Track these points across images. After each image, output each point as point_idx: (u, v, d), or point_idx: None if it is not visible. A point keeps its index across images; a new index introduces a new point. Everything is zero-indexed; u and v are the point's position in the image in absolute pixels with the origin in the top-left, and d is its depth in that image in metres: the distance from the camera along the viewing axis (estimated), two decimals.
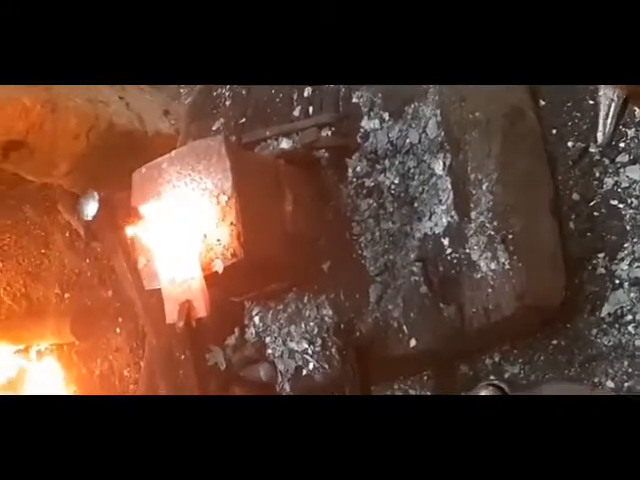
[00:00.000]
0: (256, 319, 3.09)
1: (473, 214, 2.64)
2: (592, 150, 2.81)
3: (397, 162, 2.85)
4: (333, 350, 2.84)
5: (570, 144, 2.86)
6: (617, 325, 2.68)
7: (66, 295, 5.21)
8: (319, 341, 2.89)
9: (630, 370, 2.64)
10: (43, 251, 5.33)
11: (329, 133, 3.02)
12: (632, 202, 2.71)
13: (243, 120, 3.33)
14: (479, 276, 2.60)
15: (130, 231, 2.49)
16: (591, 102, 2.83)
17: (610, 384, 2.65)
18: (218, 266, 2.50)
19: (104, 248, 4.48)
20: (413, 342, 2.70)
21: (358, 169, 2.93)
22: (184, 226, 2.55)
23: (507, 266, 2.55)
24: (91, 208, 2.31)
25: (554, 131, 2.89)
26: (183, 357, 2.50)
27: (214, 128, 3.41)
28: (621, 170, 2.75)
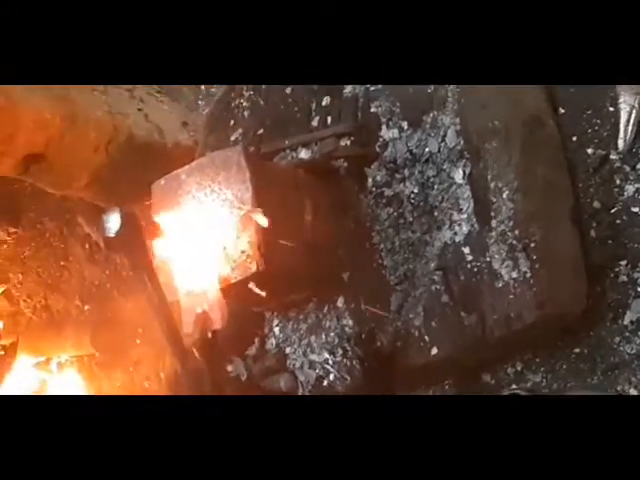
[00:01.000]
0: (276, 329, 3.09)
1: (494, 222, 2.63)
2: (613, 157, 2.80)
3: (416, 171, 2.85)
4: (354, 360, 2.83)
5: (590, 151, 2.84)
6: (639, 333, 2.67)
7: (86, 307, 5.22)
8: (340, 351, 2.89)
9: None
10: (63, 263, 5.34)
11: (348, 143, 3.01)
12: None
13: (261, 131, 3.34)
14: (500, 284, 2.59)
15: (152, 245, 2.49)
16: (611, 109, 2.81)
17: (633, 392, 2.64)
18: (253, 267, 2.49)
19: (127, 262, 4.50)
20: (434, 351, 2.69)
21: (377, 178, 2.92)
22: (203, 237, 2.55)
23: (528, 274, 2.55)
24: (114, 224, 2.30)
25: (574, 138, 2.88)
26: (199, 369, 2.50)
27: (232, 139, 3.42)
28: None
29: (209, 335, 2.43)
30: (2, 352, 5.01)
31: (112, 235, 2.29)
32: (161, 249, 2.52)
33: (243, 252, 2.52)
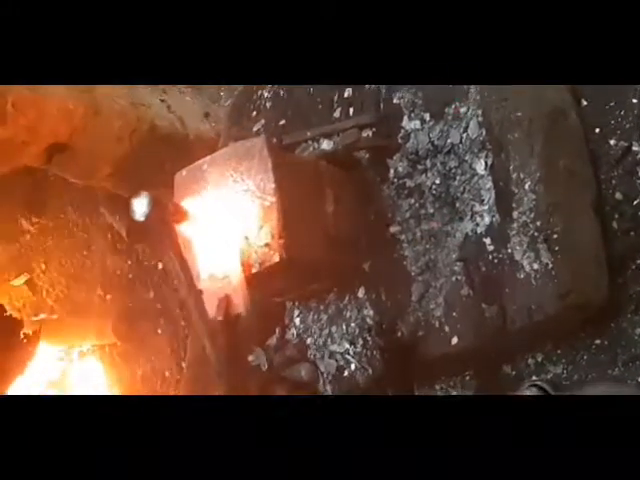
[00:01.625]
0: (297, 320, 3.10)
1: (515, 214, 2.64)
2: (635, 149, 2.79)
3: (438, 162, 2.85)
4: (375, 351, 2.84)
5: (613, 143, 2.84)
6: None
7: (108, 296, 5.25)
8: (360, 342, 2.90)
9: None
10: (85, 253, 5.36)
11: (370, 134, 3.03)
12: None
13: (283, 122, 3.35)
14: (521, 276, 2.59)
15: (180, 230, 2.51)
16: (634, 101, 2.81)
17: None
18: (275, 257, 2.51)
19: (153, 247, 4.51)
20: (455, 341, 2.70)
21: (399, 169, 2.93)
22: (226, 226, 2.56)
23: (550, 265, 2.55)
24: (144, 208, 2.31)
25: (597, 130, 2.87)
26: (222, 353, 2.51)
27: (255, 130, 3.43)
28: None
29: (232, 319, 2.44)
30: (25, 340, 5.04)
31: (142, 219, 2.31)
32: (186, 232, 2.54)
33: (265, 242, 2.52)
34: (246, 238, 2.55)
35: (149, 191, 2.35)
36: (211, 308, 2.47)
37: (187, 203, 2.65)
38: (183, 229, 2.52)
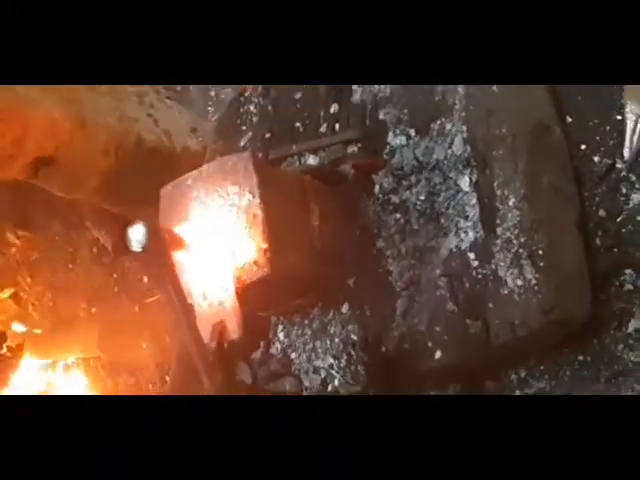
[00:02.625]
0: (281, 334, 3.10)
1: (499, 230, 2.65)
2: (619, 166, 2.81)
3: (423, 178, 2.86)
4: (359, 366, 2.84)
5: (597, 160, 2.86)
6: None
7: (93, 310, 5.23)
8: (344, 357, 2.90)
9: None
10: (71, 266, 5.35)
11: (355, 149, 3.04)
12: None
13: (268, 135, 3.35)
14: (505, 291, 2.60)
15: (175, 257, 2.50)
16: (618, 117, 2.82)
17: None
18: (260, 272, 2.51)
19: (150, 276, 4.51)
20: (438, 356, 2.70)
21: (384, 185, 2.94)
22: (212, 243, 2.56)
23: (533, 282, 2.56)
24: (140, 238, 2.29)
25: (581, 147, 2.89)
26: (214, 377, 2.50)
27: (241, 145, 3.43)
28: None
29: (225, 345, 2.43)
30: (9, 353, 5.02)
31: (139, 250, 2.29)
32: (179, 258, 2.53)
33: (250, 257, 2.52)
34: (232, 253, 2.54)
35: (134, 207, 2.33)
36: (205, 333, 2.46)
37: (173, 218, 2.65)
38: (177, 256, 2.51)
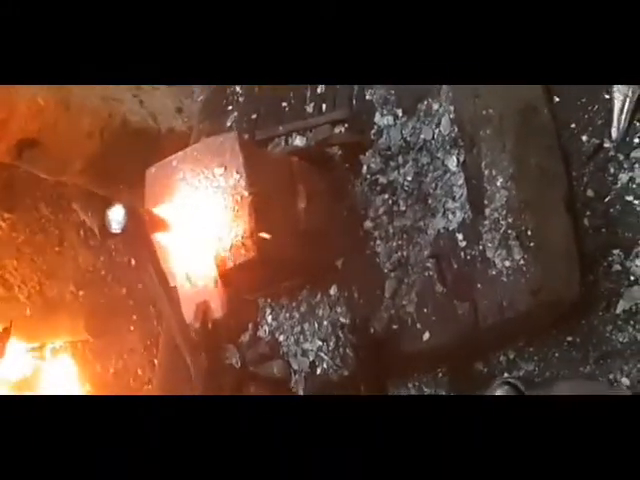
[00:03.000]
0: (269, 317, 3.09)
1: (487, 210, 2.64)
2: (606, 146, 2.80)
3: (411, 159, 2.85)
4: (348, 347, 2.84)
5: (584, 140, 2.84)
6: (632, 322, 2.68)
7: (80, 293, 5.22)
8: (333, 339, 2.89)
9: None
10: (57, 249, 5.33)
11: (342, 130, 3.02)
12: None
13: (255, 116, 3.33)
14: (493, 272, 2.59)
15: (155, 237, 2.49)
16: (606, 97, 2.81)
17: (625, 381, 2.64)
18: (247, 254, 2.49)
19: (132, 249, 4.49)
20: (427, 337, 2.70)
21: (372, 166, 2.92)
22: (197, 225, 2.54)
23: (521, 262, 2.55)
24: (120, 219, 2.29)
25: (568, 127, 2.88)
26: (198, 358, 2.50)
27: (227, 125, 3.41)
28: (636, 166, 2.74)
29: (209, 325, 2.42)
30: None
31: (118, 231, 2.29)
32: (161, 238, 2.52)
33: (236, 239, 2.51)
34: (218, 234, 2.53)
35: (119, 188, 2.33)
36: (188, 314, 2.45)
37: (159, 203, 2.63)
38: (158, 237, 2.50)
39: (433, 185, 2.78)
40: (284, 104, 3.26)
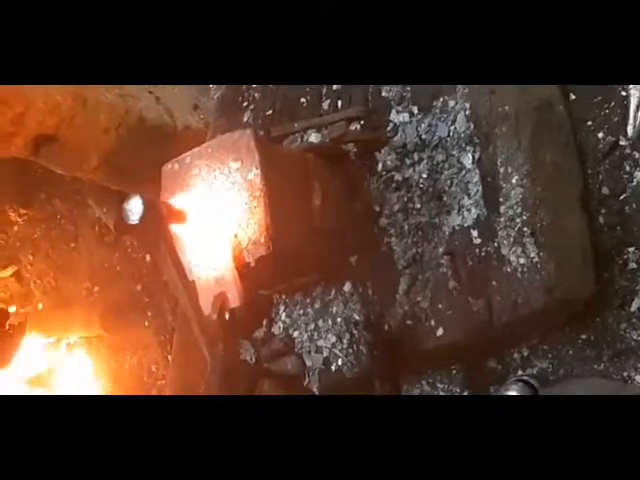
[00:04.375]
0: (283, 314, 3.10)
1: (502, 208, 2.63)
2: (622, 143, 2.79)
3: (426, 156, 2.85)
4: (362, 344, 2.84)
5: (600, 137, 2.84)
6: None
7: (95, 289, 5.25)
8: (347, 336, 2.90)
9: None
10: (73, 245, 5.36)
11: (358, 127, 3.02)
12: None
13: (270, 112, 3.34)
14: (508, 270, 2.59)
15: (172, 229, 2.50)
16: (622, 94, 2.81)
17: (639, 378, 2.64)
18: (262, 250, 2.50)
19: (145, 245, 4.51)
20: (441, 334, 2.70)
21: (387, 163, 2.92)
22: (214, 219, 2.55)
23: (536, 260, 2.54)
24: (137, 211, 2.31)
25: (584, 124, 2.87)
26: (216, 350, 2.51)
27: (243, 121, 3.42)
28: None
29: (227, 316, 2.44)
30: (11, 331, 5.03)
31: (136, 222, 2.30)
32: (177, 231, 2.53)
33: (252, 235, 2.52)
34: (234, 232, 2.54)
35: (136, 185, 2.34)
36: (206, 306, 2.47)
37: (175, 197, 2.64)
38: (175, 229, 2.51)
39: (448, 182, 2.77)
40: (301, 100, 3.26)
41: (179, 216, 2.49)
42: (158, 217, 2.37)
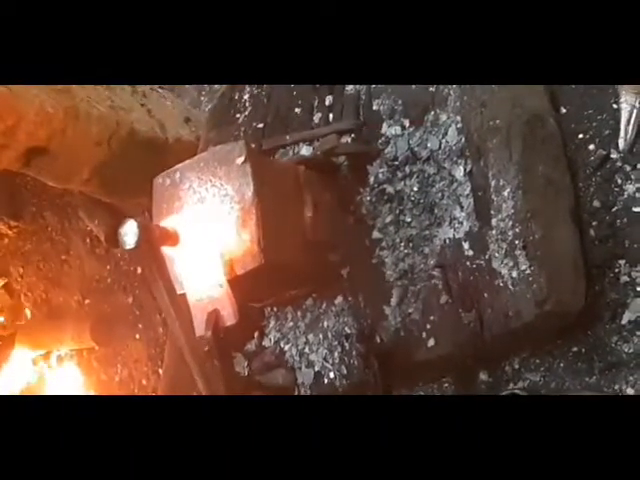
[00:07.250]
0: (275, 327, 3.09)
1: (494, 220, 2.64)
2: (613, 157, 2.81)
3: (417, 169, 2.85)
4: (353, 357, 2.83)
5: (591, 150, 2.85)
6: (638, 333, 2.67)
7: (86, 301, 5.24)
8: (338, 349, 2.89)
9: None
10: (64, 257, 5.35)
11: (349, 140, 3.02)
12: None
13: (262, 125, 3.34)
14: (499, 282, 2.59)
15: (164, 250, 2.49)
16: (613, 107, 2.82)
17: (630, 391, 2.64)
18: (253, 262, 2.49)
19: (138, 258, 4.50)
20: (432, 346, 2.69)
21: (379, 175, 2.93)
22: (205, 233, 2.55)
23: (527, 272, 2.54)
24: (133, 236, 2.30)
25: (575, 137, 2.89)
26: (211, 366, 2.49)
27: (234, 134, 3.42)
28: None
29: (221, 334, 2.42)
30: (0, 343, 5.03)
31: (132, 248, 2.29)
32: (170, 253, 2.52)
33: (243, 247, 2.52)
34: (226, 245, 2.53)
35: (127, 197, 2.33)
36: (200, 325, 2.45)
37: (166, 208, 2.64)
38: (167, 251, 2.50)
39: (440, 195, 2.78)
40: (293, 113, 3.26)
41: (172, 238, 2.48)
42: (151, 239, 2.36)
